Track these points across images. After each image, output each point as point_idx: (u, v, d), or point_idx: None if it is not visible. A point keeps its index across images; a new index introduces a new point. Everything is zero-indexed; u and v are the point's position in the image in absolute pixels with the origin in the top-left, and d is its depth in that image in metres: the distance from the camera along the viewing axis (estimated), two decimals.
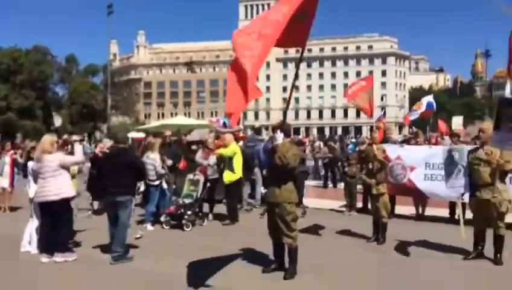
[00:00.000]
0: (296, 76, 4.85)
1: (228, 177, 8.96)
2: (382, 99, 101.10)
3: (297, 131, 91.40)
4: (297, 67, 6.23)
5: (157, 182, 8.47)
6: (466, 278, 5.46)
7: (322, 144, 16.66)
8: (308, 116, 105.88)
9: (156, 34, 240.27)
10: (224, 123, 13.54)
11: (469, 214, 6.45)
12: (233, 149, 9.08)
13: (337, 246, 7.13)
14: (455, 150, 6.43)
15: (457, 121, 16.92)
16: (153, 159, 8.37)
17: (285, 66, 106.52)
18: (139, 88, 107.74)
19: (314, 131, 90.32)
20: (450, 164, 6.40)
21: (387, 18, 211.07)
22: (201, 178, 8.87)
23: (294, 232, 5.39)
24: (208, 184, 8.89)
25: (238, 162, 9.09)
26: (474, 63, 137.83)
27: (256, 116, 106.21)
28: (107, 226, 6.46)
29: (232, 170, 8.98)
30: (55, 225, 6.22)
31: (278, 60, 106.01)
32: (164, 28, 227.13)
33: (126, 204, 6.25)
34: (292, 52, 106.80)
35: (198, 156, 9.46)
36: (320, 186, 15.09)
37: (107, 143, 11.06)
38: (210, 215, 9.33)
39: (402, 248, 6.80)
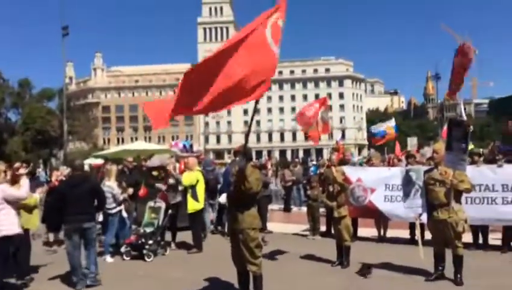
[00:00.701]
0: (257, 100, 4.82)
1: (192, 206, 8.81)
2: (341, 121, 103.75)
3: (259, 154, 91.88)
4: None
5: (115, 210, 8.18)
6: None
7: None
8: (270, 139, 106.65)
9: (113, 56, 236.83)
10: (184, 146, 13.35)
11: (428, 235, 6.60)
12: (196, 176, 8.95)
13: (301, 271, 7.06)
14: (412, 170, 6.63)
15: (412, 142, 17.47)
16: (109, 187, 8.08)
17: None
18: (96, 112, 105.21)
19: (276, 154, 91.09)
20: (407, 184, 6.57)
21: (341, 41, 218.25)
22: (163, 205, 8.66)
23: (259, 259, 5.31)
24: (170, 211, 8.69)
25: (201, 190, 8.97)
26: (425, 86, 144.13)
27: (218, 140, 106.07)
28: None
29: (195, 198, 8.84)
30: None
31: None
32: (122, 50, 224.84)
33: (92, 230, 6.52)
34: None
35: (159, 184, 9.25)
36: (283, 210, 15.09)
37: (64, 171, 10.74)
38: (173, 244, 9.09)
39: (366, 271, 6.83)
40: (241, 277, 5.49)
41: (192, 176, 8.87)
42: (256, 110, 5.62)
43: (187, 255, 8.49)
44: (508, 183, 7.68)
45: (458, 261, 6.05)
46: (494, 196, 7.78)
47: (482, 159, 9.51)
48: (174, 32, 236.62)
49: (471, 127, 5.81)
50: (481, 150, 12.90)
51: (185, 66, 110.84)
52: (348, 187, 7.56)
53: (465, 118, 12.18)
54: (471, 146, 10.72)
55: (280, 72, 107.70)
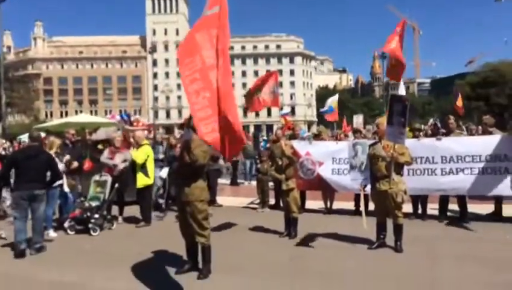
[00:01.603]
0: None
1: (141, 181, 8.63)
2: (291, 98, 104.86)
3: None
4: None
5: (55, 184, 7.80)
6: (367, 266, 5.74)
7: None
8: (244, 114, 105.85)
9: (55, 26, 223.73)
10: (122, 118, 12.87)
11: (372, 206, 6.86)
12: (146, 152, 8.74)
13: (250, 243, 7.15)
14: (358, 144, 6.82)
15: (357, 120, 18.02)
16: None
17: None
18: (37, 84, 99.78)
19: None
20: (353, 157, 6.77)
21: (292, 19, 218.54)
22: (109, 179, 8.41)
23: (207, 231, 5.30)
24: (116, 185, 8.44)
25: (151, 165, 8.80)
26: (372, 65, 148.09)
27: (168, 115, 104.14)
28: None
29: (145, 173, 8.65)
30: None
31: None
32: (64, 20, 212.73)
33: (42, 197, 6.78)
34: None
35: (104, 157, 8.94)
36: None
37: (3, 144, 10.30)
38: (120, 218, 8.88)
39: (311, 241, 7.04)
40: (190, 249, 5.47)
41: (143, 153, 8.67)
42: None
43: (135, 229, 8.34)
44: (447, 155, 8.10)
45: (398, 230, 6.34)
46: (434, 167, 8.19)
47: (422, 133, 9.97)
48: (121, 2, 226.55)
49: (409, 102, 6.00)
50: (422, 126, 13.52)
51: (133, 39, 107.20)
52: (296, 160, 7.66)
53: (404, 93, 12.64)
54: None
55: (231, 48, 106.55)
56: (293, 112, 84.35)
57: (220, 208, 10.13)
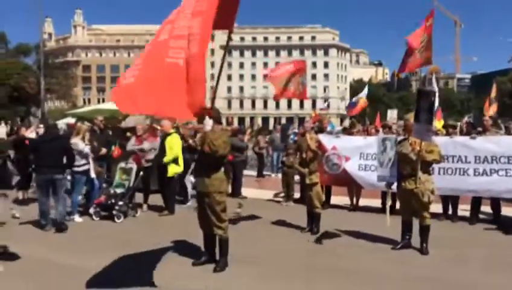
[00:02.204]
0: (222, 63, 4.67)
1: (173, 169, 8.62)
2: (325, 90, 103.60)
3: (242, 120, 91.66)
4: (225, 51, 5.54)
5: (82, 169, 7.94)
6: (386, 267, 5.53)
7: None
8: (253, 106, 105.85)
9: (94, 14, 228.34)
10: None
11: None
12: (177, 140, 8.70)
13: (270, 236, 7.05)
14: (387, 140, 6.57)
15: (392, 114, 17.52)
16: (74, 144, 7.76)
17: (229, 53, 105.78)
18: (76, 71, 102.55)
19: (259, 121, 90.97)
20: (382, 153, 6.53)
21: (328, 9, 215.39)
22: (134, 166, 8.48)
23: (225, 223, 5.24)
24: (141, 173, 8.52)
25: (180, 153, 8.80)
26: None
27: None
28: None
29: (176, 161, 8.65)
30: None
31: (221, 47, 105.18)
32: (103, 8, 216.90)
33: (62, 182, 7.31)
34: (236, 39, 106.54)
35: (131, 144, 9.02)
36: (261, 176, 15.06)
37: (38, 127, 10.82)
38: (144, 206, 8.97)
39: (333, 237, 6.88)
40: (207, 240, 5.43)
41: (177, 141, 8.65)
42: (221, 74, 5.51)
43: (158, 218, 8.41)
44: (480, 155, 7.72)
45: (424, 231, 6.09)
46: (466, 167, 7.83)
47: (457, 130, 9.56)
48: None
49: (435, 98, 5.74)
50: (458, 123, 13.00)
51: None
52: (321, 154, 7.49)
53: (436, 89, 12.18)
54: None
55: (265, 38, 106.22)
56: (327, 105, 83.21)
57: (244, 200, 10.07)
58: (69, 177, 8.10)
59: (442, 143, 7.89)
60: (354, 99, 16.06)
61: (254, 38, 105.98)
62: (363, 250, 6.28)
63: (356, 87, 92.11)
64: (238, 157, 10.72)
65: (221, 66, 5.45)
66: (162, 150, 8.67)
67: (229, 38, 5.20)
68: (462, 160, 7.87)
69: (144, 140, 9.01)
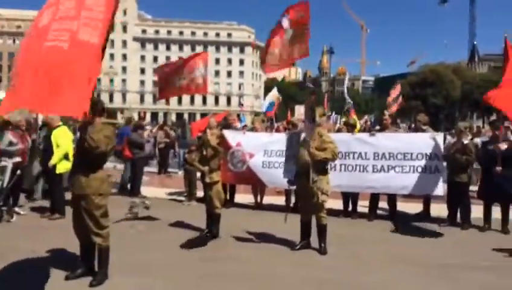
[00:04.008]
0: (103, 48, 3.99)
1: (63, 166, 7.61)
2: (239, 88, 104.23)
3: (155, 115, 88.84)
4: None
5: None
6: (285, 269, 5.27)
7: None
8: (167, 101, 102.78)
9: None
10: None
11: None
12: (65, 138, 7.73)
13: (164, 240, 6.44)
14: (293, 136, 6.34)
15: (300, 110, 17.64)
16: None
17: (143, 46, 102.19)
18: None
19: (173, 116, 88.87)
20: (286, 151, 6.28)
21: (243, 7, 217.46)
22: (9, 164, 7.39)
23: (105, 229, 4.59)
24: (18, 171, 7.45)
25: (71, 148, 7.82)
26: (321, 59, 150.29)
27: (111, 98, 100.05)
28: None
29: (67, 157, 7.66)
30: None
31: (135, 39, 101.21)
32: None
33: None
34: (151, 32, 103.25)
35: (7, 141, 7.85)
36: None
37: None
38: (17, 208, 7.87)
39: (232, 239, 6.51)
40: (84, 250, 4.73)
41: (65, 135, 7.70)
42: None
43: (37, 223, 7.40)
44: (379, 151, 7.83)
45: (322, 230, 5.93)
46: (366, 163, 7.91)
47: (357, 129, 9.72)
48: None
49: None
50: (359, 121, 13.41)
51: None
52: (222, 151, 7.08)
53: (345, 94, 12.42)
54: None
55: (181, 33, 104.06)
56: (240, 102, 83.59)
57: (142, 200, 9.34)
58: None
59: (344, 140, 7.95)
60: (268, 101, 15.92)
61: (169, 32, 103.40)
62: (261, 252, 5.96)
63: (270, 86, 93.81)
64: (137, 154, 9.96)
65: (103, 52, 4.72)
66: (48, 146, 7.69)
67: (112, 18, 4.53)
68: (362, 157, 7.94)
69: (23, 136, 7.92)
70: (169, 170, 14.77)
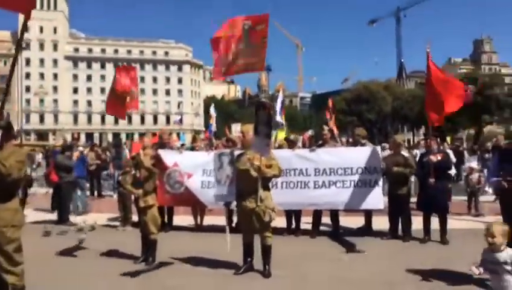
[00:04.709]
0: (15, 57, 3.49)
1: None
2: (179, 106, 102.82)
3: (90, 136, 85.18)
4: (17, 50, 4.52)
5: None
6: None
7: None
8: (103, 121, 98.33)
9: None
10: None
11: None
12: None
13: (93, 272, 5.85)
14: (225, 154, 6.05)
15: (236, 128, 17.43)
16: None
17: (75, 65, 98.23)
18: None
19: (109, 137, 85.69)
20: (219, 170, 5.97)
21: (181, 26, 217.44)
22: None
23: (19, 266, 4.00)
24: None
25: None
26: (259, 77, 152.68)
27: (42, 119, 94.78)
28: None
29: None
30: None
31: (67, 57, 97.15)
32: None
33: None
34: (84, 50, 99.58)
35: None
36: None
37: None
38: None
39: (170, 266, 6.06)
40: None
41: None
42: (12, 74, 4.27)
43: None
44: (320, 167, 7.73)
45: (266, 252, 5.64)
46: (307, 180, 7.77)
47: (299, 145, 9.62)
48: None
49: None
50: (300, 137, 13.39)
51: (3, 34, 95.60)
52: (156, 172, 6.61)
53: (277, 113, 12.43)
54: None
55: (116, 51, 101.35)
56: (180, 120, 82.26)
57: (70, 228, 8.59)
58: None
59: (285, 156, 7.77)
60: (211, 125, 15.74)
61: (103, 50, 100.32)
62: (202, 278, 5.56)
63: (210, 103, 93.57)
64: (64, 178, 9.20)
65: (12, 69, 4.16)
66: None
67: (24, 27, 4.04)
68: (303, 173, 7.80)
69: None
70: (104, 193, 13.91)
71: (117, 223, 9.10)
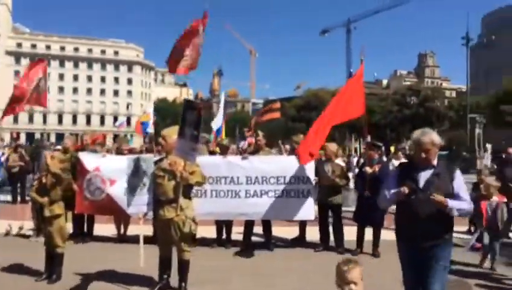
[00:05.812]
0: None
1: None
2: (128, 108, 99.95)
3: (31, 136, 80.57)
4: None
5: None
6: None
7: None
8: (44, 121, 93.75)
9: None
10: None
11: None
12: None
13: None
14: (142, 160, 5.49)
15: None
16: None
17: (17, 61, 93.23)
18: None
19: (53, 137, 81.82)
20: (133, 177, 5.40)
21: (133, 26, 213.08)
22: None
23: None
24: None
25: None
26: (212, 82, 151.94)
27: None
28: None
29: None
30: None
31: (8, 53, 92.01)
32: None
33: None
34: (27, 46, 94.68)
35: None
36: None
37: None
38: None
39: (78, 284, 5.42)
40: None
41: None
42: None
43: None
44: (251, 175, 7.33)
45: (184, 267, 5.14)
46: (238, 188, 7.34)
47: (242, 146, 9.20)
48: None
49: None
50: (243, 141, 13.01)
51: None
52: (65, 179, 5.95)
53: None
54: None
55: (62, 48, 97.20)
56: (129, 122, 79.89)
57: None
58: None
59: (215, 163, 7.34)
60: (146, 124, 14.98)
61: (48, 47, 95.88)
62: None
63: (160, 106, 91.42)
64: None
65: None
66: None
67: None
68: (235, 181, 7.37)
69: None
70: (28, 198, 12.82)
71: (31, 233, 8.25)
